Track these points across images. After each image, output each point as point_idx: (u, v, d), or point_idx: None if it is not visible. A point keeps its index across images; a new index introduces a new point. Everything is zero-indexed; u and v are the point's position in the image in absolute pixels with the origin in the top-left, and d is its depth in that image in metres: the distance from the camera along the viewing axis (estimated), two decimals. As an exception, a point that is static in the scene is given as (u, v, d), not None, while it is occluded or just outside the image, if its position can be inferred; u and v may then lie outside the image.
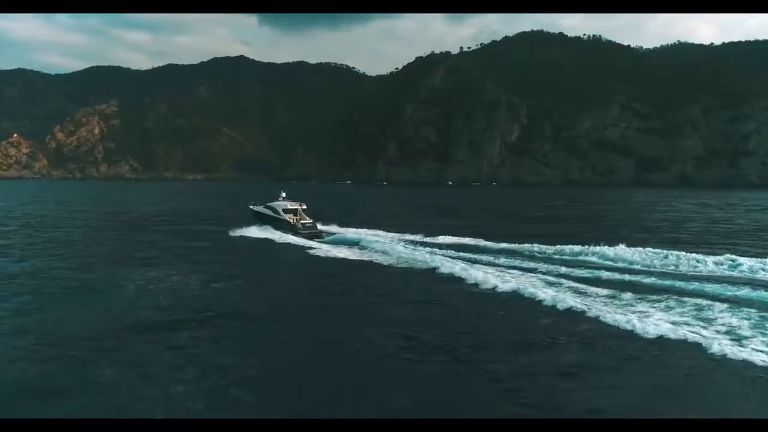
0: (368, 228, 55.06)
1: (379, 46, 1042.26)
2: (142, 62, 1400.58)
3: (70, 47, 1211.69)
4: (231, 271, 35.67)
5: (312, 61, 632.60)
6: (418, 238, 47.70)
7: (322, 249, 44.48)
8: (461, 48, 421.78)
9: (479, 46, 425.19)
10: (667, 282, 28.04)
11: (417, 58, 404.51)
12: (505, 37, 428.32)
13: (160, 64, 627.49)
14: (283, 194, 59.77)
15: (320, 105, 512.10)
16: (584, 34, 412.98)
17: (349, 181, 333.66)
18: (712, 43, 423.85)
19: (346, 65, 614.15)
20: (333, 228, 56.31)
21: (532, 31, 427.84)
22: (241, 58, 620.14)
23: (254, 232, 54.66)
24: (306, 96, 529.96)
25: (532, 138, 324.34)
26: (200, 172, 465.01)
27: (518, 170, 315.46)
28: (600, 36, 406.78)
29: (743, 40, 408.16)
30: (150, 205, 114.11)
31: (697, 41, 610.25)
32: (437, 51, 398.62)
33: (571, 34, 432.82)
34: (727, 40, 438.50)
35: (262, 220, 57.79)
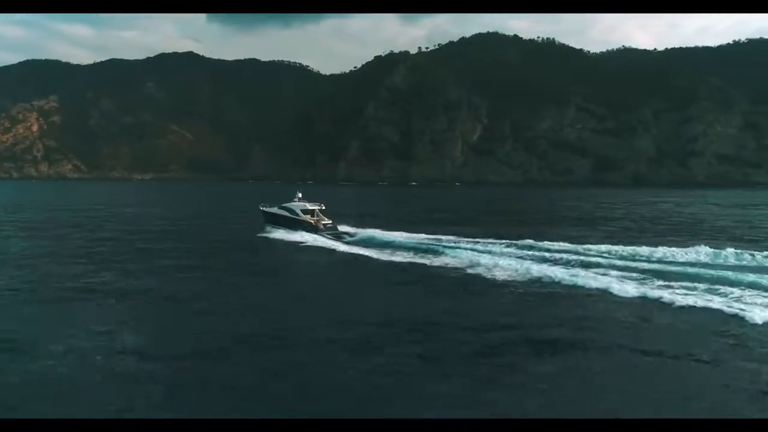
0: (383, 229, 53.51)
1: (332, 44, 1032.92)
2: (82, 57, 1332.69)
3: (2, 39, 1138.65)
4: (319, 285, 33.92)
5: (264, 58, 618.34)
6: (441, 237, 47.84)
7: (353, 250, 43.80)
8: (419, 48, 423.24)
9: (437, 47, 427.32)
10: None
11: (376, 57, 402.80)
12: (462, 38, 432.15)
13: (103, 59, 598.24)
14: (299, 194, 57.38)
15: (274, 103, 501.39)
16: (538, 37, 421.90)
17: (310, 181, 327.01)
18: (655, 48, 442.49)
19: (299, 63, 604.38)
20: (349, 228, 54.04)
21: (488, 32, 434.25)
22: (190, 55, 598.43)
23: (282, 234, 52.29)
24: (259, 94, 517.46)
25: (493, 138, 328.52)
26: (149, 172, 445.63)
27: (480, 170, 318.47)
28: (554, 39, 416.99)
29: (678, 46, 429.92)
30: (141, 208, 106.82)
31: (634, 46, 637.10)
32: (390, 51, 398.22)
33: (523, 36, 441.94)
34: (660, 47, 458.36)
35: (277, 221, 55.26)
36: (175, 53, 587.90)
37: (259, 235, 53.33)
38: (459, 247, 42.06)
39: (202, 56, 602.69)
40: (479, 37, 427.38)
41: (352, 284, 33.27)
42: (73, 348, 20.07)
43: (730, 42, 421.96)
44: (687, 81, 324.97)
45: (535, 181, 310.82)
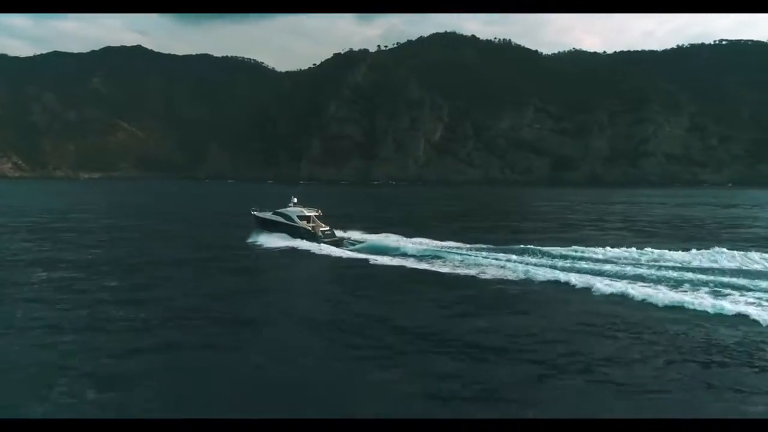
0: (377, 233, 52.38)
1: (286, 42, 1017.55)
2: (21, 49, 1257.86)
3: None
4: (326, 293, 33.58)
5: (216, 54, 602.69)
6: (449, 243, 46.93)
7: (358, 258, 42.09)
8: (378, 46, 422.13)
9: (395, 45, 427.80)
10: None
11: (335, 54, 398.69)
12: (420, 37, 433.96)
13: (44, 52, 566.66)
14: (294, 199, 54.93)
15: (229, 100, 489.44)
16: (495, 38, 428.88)
17: (270, 181, 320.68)
18: (605, 51, 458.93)
19: (254, 60, 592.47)
20: (351, 234, 52.71)
21: (446, 32, 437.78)
22: (138, 48, 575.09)
23: (277, 241, 49.89)
24: (212, 90, 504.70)
25: (454, 137, 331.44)
26: (96, 171, 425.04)
27: (443, 169, 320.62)
28: (509, 40, 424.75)
29: (624, 49, 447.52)
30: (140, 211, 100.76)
31: (584, 48, 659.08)
32: (349, 49, 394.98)
33: (480, 37, 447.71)
34: (607, 50, 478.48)
35: (271, 227, 52.73)
36: (122, 47, 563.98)
37: (249, 241, 51.16)
38: (463, 254, 41.20)
39: (151, 50, 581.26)
40: (437, 37, 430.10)
41: (358, 297, 31.77)
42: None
43: (675, 46, 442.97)
44: (638, 83, 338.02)
45: (496, 179, 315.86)
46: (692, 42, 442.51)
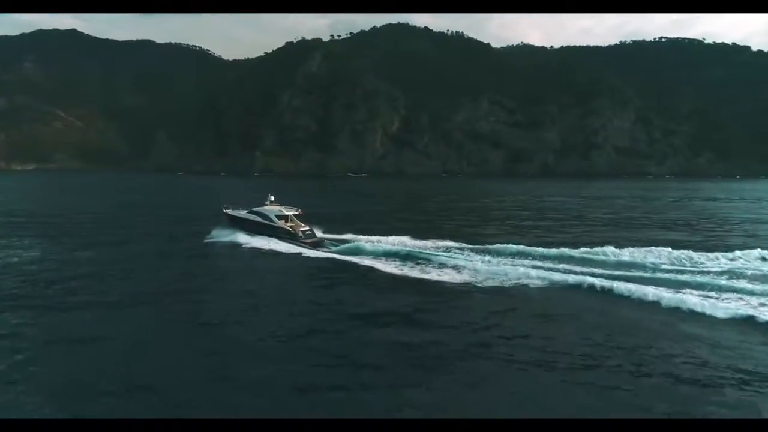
0: (364, 234, 50.04)
1: (230, 29, 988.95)
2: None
3: None
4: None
5: (159, 40, 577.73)
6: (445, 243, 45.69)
7: (340, 260, 39.96)
8: (332, 36, 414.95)
9: (349, 35, 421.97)
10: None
11: (287, 43, 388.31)
12: (374, 28, 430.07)
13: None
14: (272, 197, 52.49)
15: (173, 88, 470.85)
16: (448, 30, 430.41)
17: (223, 173, 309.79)
18: (552, 46, 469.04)
19: (199, 47, 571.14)
20: (331, 235, 50.19)
21: (399, 23, 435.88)
22: (74, 33, 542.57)
23: (249, 239, 47.46)
24: (155, 78, 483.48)
25: (411, 129, 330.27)
26: (31, 162, 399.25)
27: (400, 161, 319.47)
28: (462, 32, 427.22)
29: (566, 45, 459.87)
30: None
31: (531, 43, 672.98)
32: (302, 38, 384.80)
33: (433, 29, 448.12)
34: (551, 45, 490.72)
35: (246, 227, 49.86)
36: (56, 30, 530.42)
37: (227, 240, 48.14)
38: (454, 257, 39.68)
39: (88, 35, 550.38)
40: (390, 28, 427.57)
41: (331, 303, 30.05)
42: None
43: (617, 43, 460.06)
44: (586, 77, 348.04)
45: (453, 171, 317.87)
46: (626, 39, 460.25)
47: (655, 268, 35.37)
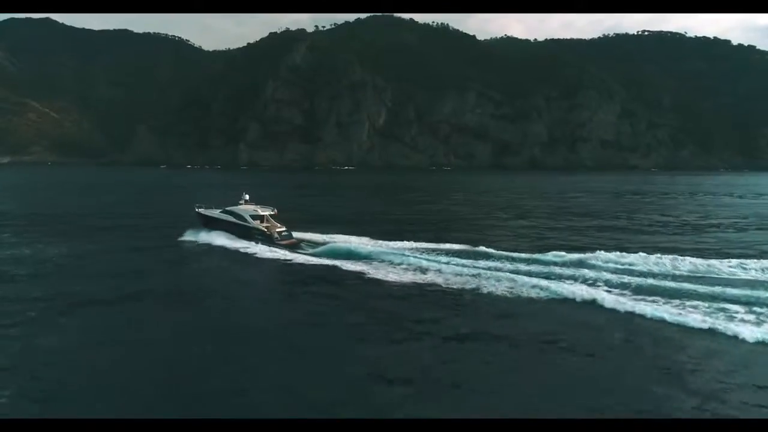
0: (343, 234, 47.80)
1: (208, 20, 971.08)
2: None
3: None
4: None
5: (137, 30, 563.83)
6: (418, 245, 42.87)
7: (317, 263, 37.77)
8: (316, 27, 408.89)
9: (334, 26, 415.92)
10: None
11: (270, 33, 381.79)
12: (358, 19, 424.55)
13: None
14: (246, 196, 49.85)
15: (152, 79, 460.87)
16: (433, 21, 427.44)
17: (207, 166, 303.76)
18: (535, 39, 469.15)
19: (178, 37, 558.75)
20: (308, 235, 47.70)
21: (384, 14, 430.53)
22: (47, 21, 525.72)
23: (225, 241, 45.01)
24: (134, 68, 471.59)
25: (398, 122, 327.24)
26: (5, 154, 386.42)
27: (387, 154, 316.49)
28: (448, 24, 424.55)
29: (549, 38, 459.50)
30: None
31: (513, 35, 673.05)
32: (282, 29, 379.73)
33: (418, 20, 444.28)
34: (531, 38, 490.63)
35: (220, 228, 47.26)
36: (28, 19, 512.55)
37: (195, 240, 45.75)
38: (431, 258, 37.89)
39: (62, 24, 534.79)
40: (375, 19, 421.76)
41: (305, 311, 28.36)
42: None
43: (601, 36, 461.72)
44: (572, 70, 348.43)
45: (440, 164, 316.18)
46: (610, 32, 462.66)
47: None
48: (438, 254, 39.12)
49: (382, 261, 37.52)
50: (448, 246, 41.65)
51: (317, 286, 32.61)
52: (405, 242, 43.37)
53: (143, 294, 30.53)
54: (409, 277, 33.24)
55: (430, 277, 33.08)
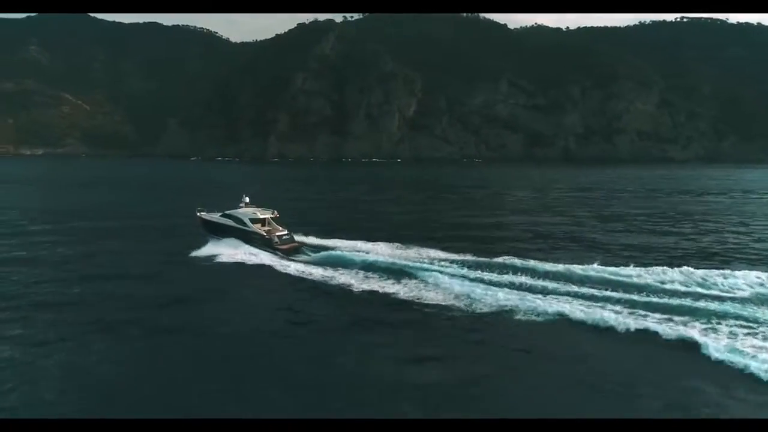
0: (350, 239, 44.56)
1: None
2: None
3: None
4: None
5: (166, 23, 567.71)
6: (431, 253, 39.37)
7: (314, 273, 35.30)
8: (344, 17, 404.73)
9: (362, 16, 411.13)
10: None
11: (299, 24, 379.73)
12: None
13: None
14: (246, 199, 47.71)
15: (181, 72, 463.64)
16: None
17: (237, 159, 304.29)
18: (567, 27, 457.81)
19: (206, 29, 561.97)
20: (311, 239, 45.12)
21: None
22: (79, 15, 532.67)
23: (223, 249, 42.16)
24: (163, 62, 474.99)
25: (428, 113, 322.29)
26: (39, 147, 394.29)
27: (418, 146, 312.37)
28: (477, 13, 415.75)
29: (582, 26, 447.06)
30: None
31: (545, 24, 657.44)
32: (311, 19, 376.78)
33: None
34: (562, 26, 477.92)
35: (219, 232, 45.33)
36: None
37: (193, 254, 42.32)
38: (435, 269, 34.65)
39: (94, 18, 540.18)
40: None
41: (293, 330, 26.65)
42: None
43: (637, 23, 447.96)
44: (607, 59, 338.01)
45: (471, 156, 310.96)
46: (647, 19, 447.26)
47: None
48: (475, 269, 34.43)
49: (388, 272, 34.52)
50: (487, 259, 36.60)
51: (302, 297, 30.91)
52: (429, 251, 39.79)
53: (124, 302, 30.05)
54: (404, 292, 30.53)
55: (430, 295, 29.93)
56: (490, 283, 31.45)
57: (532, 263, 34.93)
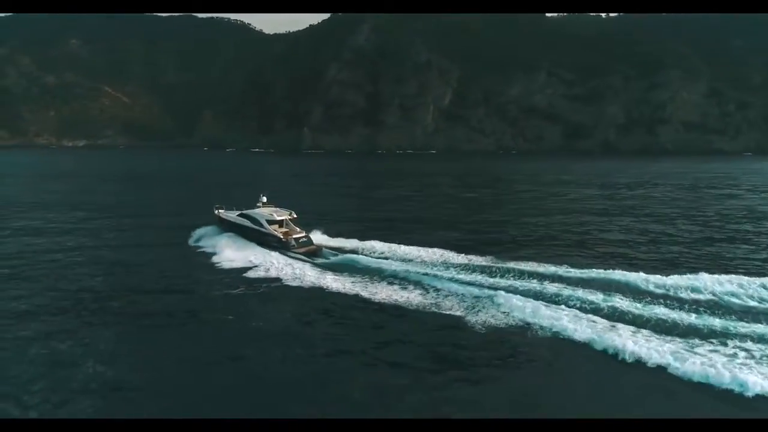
0: (380, 240, 42.19)
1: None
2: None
3: None
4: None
5: (201, 15, 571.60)
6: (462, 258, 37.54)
7: (328, 279, 33.33)
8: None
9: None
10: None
11: (332, 15, 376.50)
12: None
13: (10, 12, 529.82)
14: (264, 198, 45.75)
15: (217, 64, 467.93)
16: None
17: (271, 150, 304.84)
18: (608, 15, 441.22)
19: (241, 21, 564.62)
20: (334, 241, 43.13)
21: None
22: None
23: (239, 252, 40.22)
24: (198, 53, 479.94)
25: (464, 104, 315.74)
26: (80, 138, 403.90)
27: (452, 137, 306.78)
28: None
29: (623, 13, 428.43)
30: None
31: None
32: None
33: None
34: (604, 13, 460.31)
35: (236, 231, 43.48)
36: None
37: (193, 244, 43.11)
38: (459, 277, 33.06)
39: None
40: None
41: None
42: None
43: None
44: (651, 48, 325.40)
45: (507, 148, 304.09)
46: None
47: None
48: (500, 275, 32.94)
49: (408, 280, 32.46)
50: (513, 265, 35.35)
51: (305, 303, 29.93)
52: (455, 255, 37.99)
53: (126, 300, 30.39)
54: (419, 301, 28.87)
55: (446, 303, 28.41)
56: (551, 301, 28.77)
57: (587, 272, 33.14)
